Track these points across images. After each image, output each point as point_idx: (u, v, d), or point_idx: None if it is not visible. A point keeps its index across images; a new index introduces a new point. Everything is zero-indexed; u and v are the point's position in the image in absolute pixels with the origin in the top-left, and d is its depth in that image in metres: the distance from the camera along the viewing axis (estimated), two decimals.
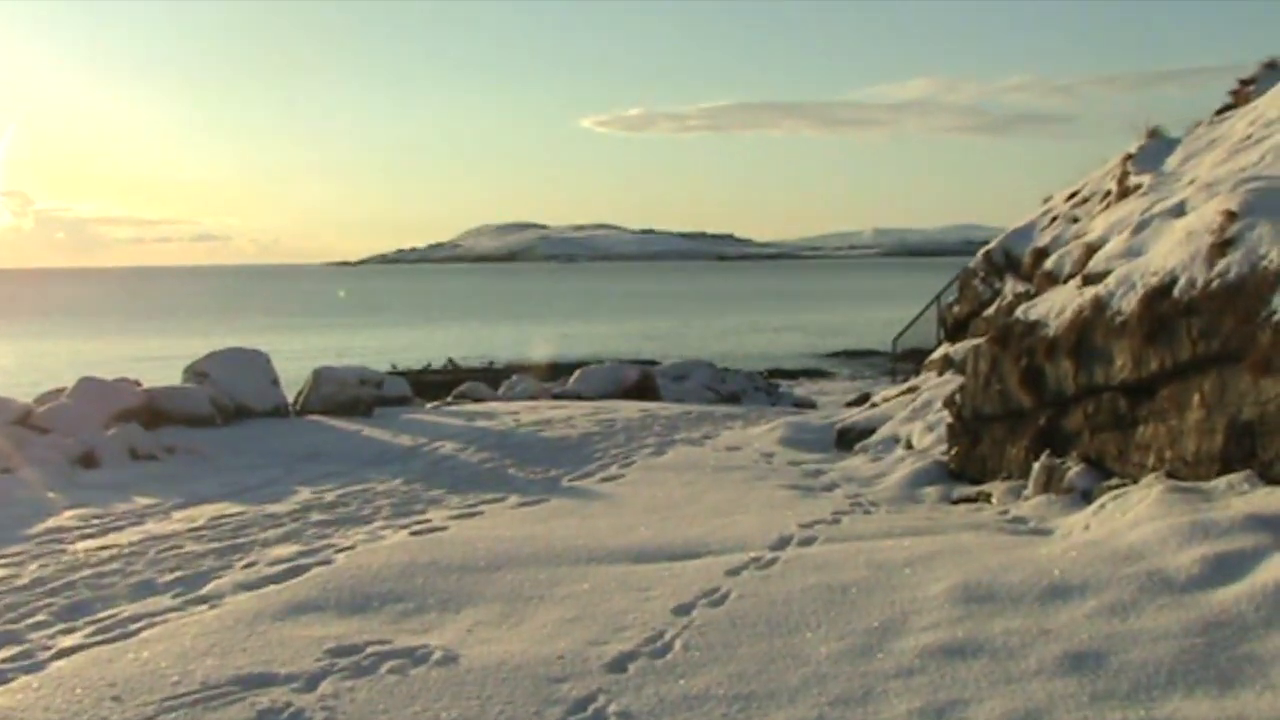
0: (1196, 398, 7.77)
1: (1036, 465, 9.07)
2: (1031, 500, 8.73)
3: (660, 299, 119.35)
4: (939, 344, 17.74)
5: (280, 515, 9.64)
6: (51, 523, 9.45)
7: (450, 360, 39.18)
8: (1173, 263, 8.20)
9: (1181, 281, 7.96)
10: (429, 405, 19.87)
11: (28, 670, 5.61)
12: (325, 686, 5.18)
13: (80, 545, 8.59)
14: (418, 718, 4.81)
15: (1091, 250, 10.20)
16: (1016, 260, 14.49)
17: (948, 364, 14.72)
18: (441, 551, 7.69)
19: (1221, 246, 7.82)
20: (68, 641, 6.09)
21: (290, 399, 17.47)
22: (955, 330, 16.63)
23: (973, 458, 10.44)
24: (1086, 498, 8.13)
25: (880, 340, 41.69)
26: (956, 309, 16.92)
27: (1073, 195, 14.95)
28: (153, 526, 9.31)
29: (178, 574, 7.56)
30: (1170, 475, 7.70)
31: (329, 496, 10.58)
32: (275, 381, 17.18)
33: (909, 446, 12.03)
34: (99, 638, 6.13)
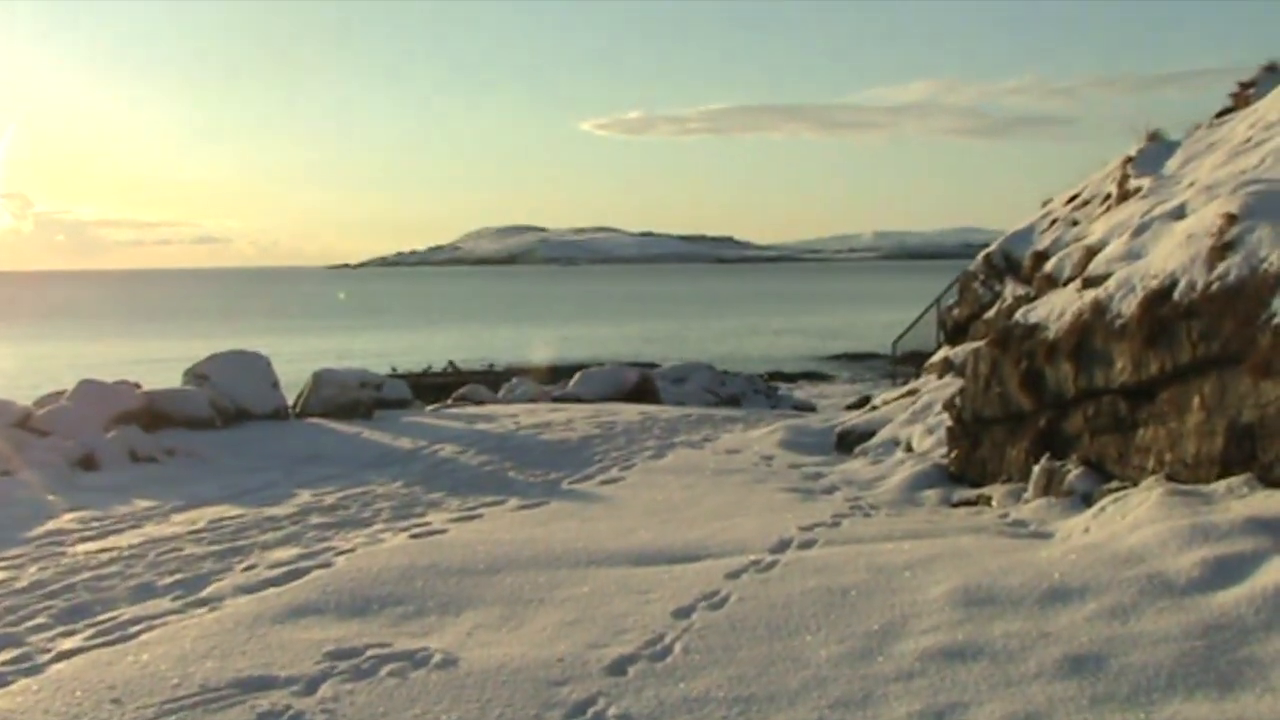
0: (1196, 400, 7.77)
1: (1036, 468, 9.07)
2: (1031, 503, 8.72)
3: (660, 301, 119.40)
4: (939, 347, 17.74)
5: (280, 518, 9.64)
6: (51, 525, 9.44)
7: (451, 363, 39.16)
8: (1173, 265, 8.20)
9: (1181, 284, 7.97)
10: (429, 408, 19.87)
11: (27, 673, 5.61)
12: (325, 689, 5.17)
13: (80, 548, 8.58)
14: None
15: (1091, 253, 10.20)
16: (1016, 263, 14.49)
17: (948, 367, 14.72)
18: (441, 554, 7.69)
19: (1221, 249, 7.82)
20: (67, 644, 6.09)
21: (290, 401, 17.47)
22: (955, 333, 16.63)
23: (973, 461, 10.44)
24: (1086, 500, 8.13)
25: (880, 343, 41.70)
26: (956, 312, 16.92)
27: (1073, 198, 14.95)
28: (152, 529, 9.31)
29: (177, 577, 7.56)
30: (1170, 478, 7.70)
31: (329, 499, 10.58)
32: (275, 384, 17.18)
33: (909, 449, 12.03)
34: (98, 640, 6.13)
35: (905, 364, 22.55)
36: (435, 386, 26.97)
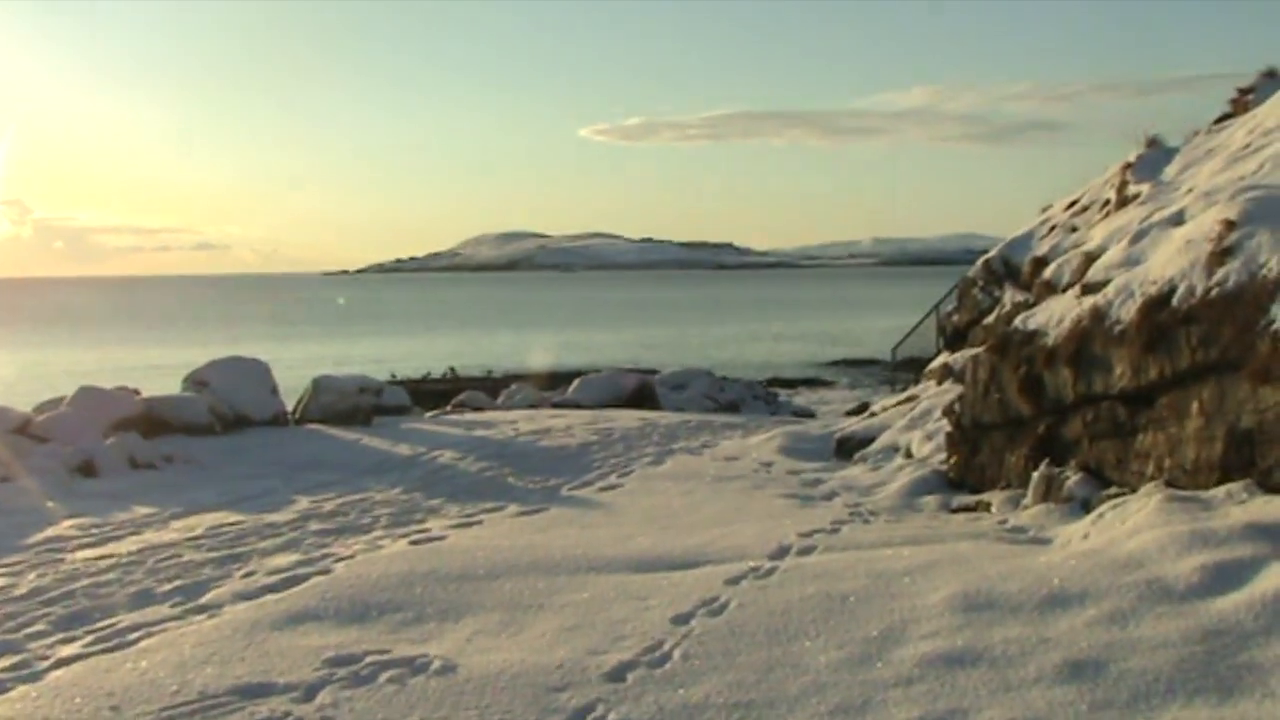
0: (1195, 406, 7.77)
1: (1035, 474, 9.07)
2: (1031, 509, 8.72)
3: (659, 308, 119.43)
4: (938, 353, 17.76)
5: (279, 524, 9.63)
6: (50, 532, 9.44)
7: (451, 369, 39.16)
8: (1171, 271, 8.21)
9: (1180, 290, 7.97)
10: (428, 414, 19.87)
11: (26, 680, 5.60)
12: (324, 696, 5.17)
13: (79, 554, 8.58)
14: None
15: (1090, 259, 10.21)
16: (1016, 269, 14.51)
17: (947, 373, 14.73)
18: (440, 561, 7.69)
19: (1220, 255, 7.83)
20: (66, 651, 6.08)
21: (289, 408, 17.48)
22: (954, 339, 16.65)
23: (972, 466, 10.44)
24: (1085, 506, 8.12)
25: (879, 349, 41.71)
26: (956, 318, 16.94)
27: (1072, 204, 14.97)
28: (151, 536, 9.30)
29: (176, 583, 7.55)
30: (1169, 484, 7.70)
31: (328, 506, 10.58)
32: (274, 390, 17.18)
33: (908, 455, 12.04)
34: (97, 647, 6.13)
35: (904, 370, 22.57)
36: (434, 393, 26.97)
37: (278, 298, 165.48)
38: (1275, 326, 7.09)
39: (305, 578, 7.51)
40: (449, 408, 21.81)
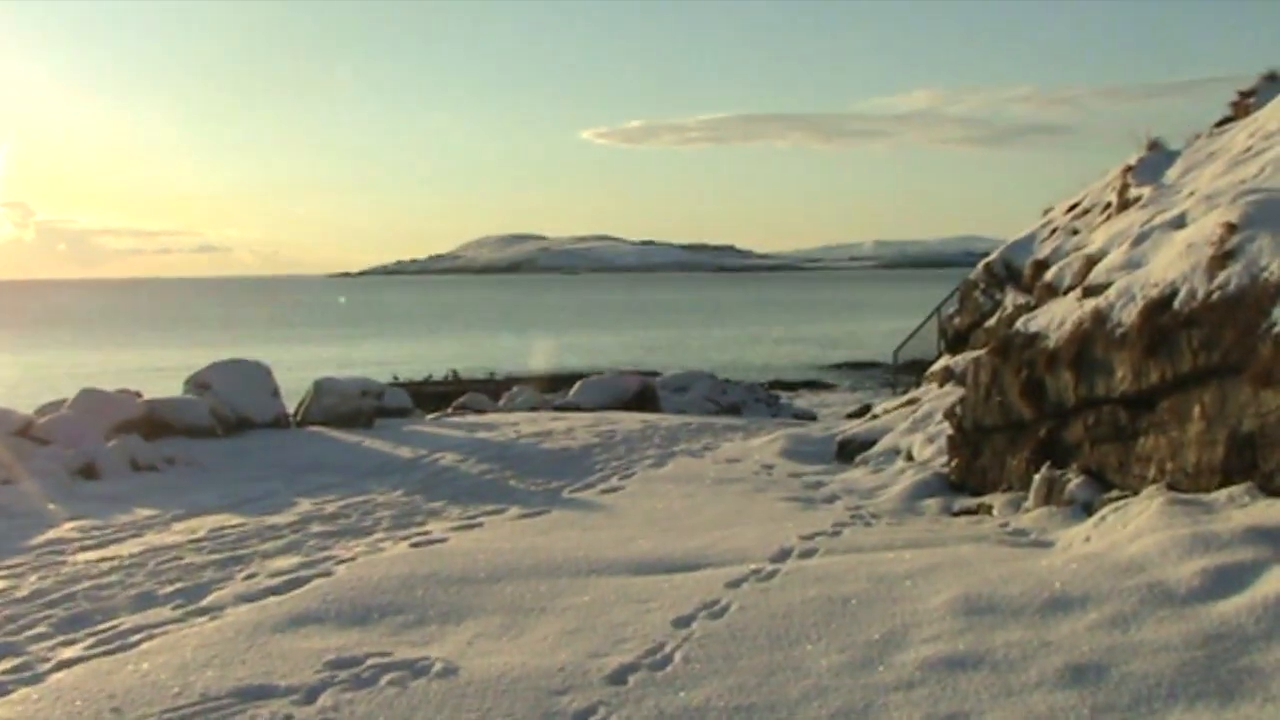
0: (1197, 410, 7.77)
1: (1037, 477, 9.07)
2: (1032, 512, 8.72)
3: (661, 310, 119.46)
4: (939, 356, 17.76)
5: (281, 527, 9.64)
6: (52, 534, 9.44)
7: (452, 371, 39.16)
8: (1173, 275, 8.21)
9: (1182, 293, 7.97)
10: (430, 416, 19.88)
11: (27, 682, 5.60)
12: (325, 699, 5.17)
13: (80, 557, 8.58)
14: None
15: (1092, 262, 10.21)
16: (1017, 272, 14.51)
17: (948, 376, 14.72)
18: (442, 563, 7.69)
19: (1222, 258, 7.83)
20: (68, 653, 6.08)
21: (291, 410, 17.48)
22: (956, 342, 16.65)
23: (973, 469, 10.44)
24: (1087, 510, 8.12)
25: (881, 352, 41.71)
26: (957, 321, 16.94)
27: (1073, 207, 14.97)
28: (153, 538, 9.30)
29: (178, 585, 7.55)
30: (1171, 487, 7.70)
31: (329, 508, 10.58)
32: (276, 393, 17.19)
33: (910, 458, 12.03)
34: (99, 650, 6.13)
35: (906, 373, 22.57)
36: (436, 395, 26.98)
37: (279, 300, 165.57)
38: (1276, 330, 7.09)
39: (307, 580, 7.51)
40: (450, 410, 21.82)
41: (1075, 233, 13.65)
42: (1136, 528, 6.80)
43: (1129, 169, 13.57)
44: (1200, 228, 8.47)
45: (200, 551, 8.66)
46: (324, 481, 12.22)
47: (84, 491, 11.68)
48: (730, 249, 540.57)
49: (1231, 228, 7.98)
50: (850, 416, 19.88)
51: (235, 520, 9.98)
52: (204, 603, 7.08)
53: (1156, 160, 13.53)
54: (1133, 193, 12.71)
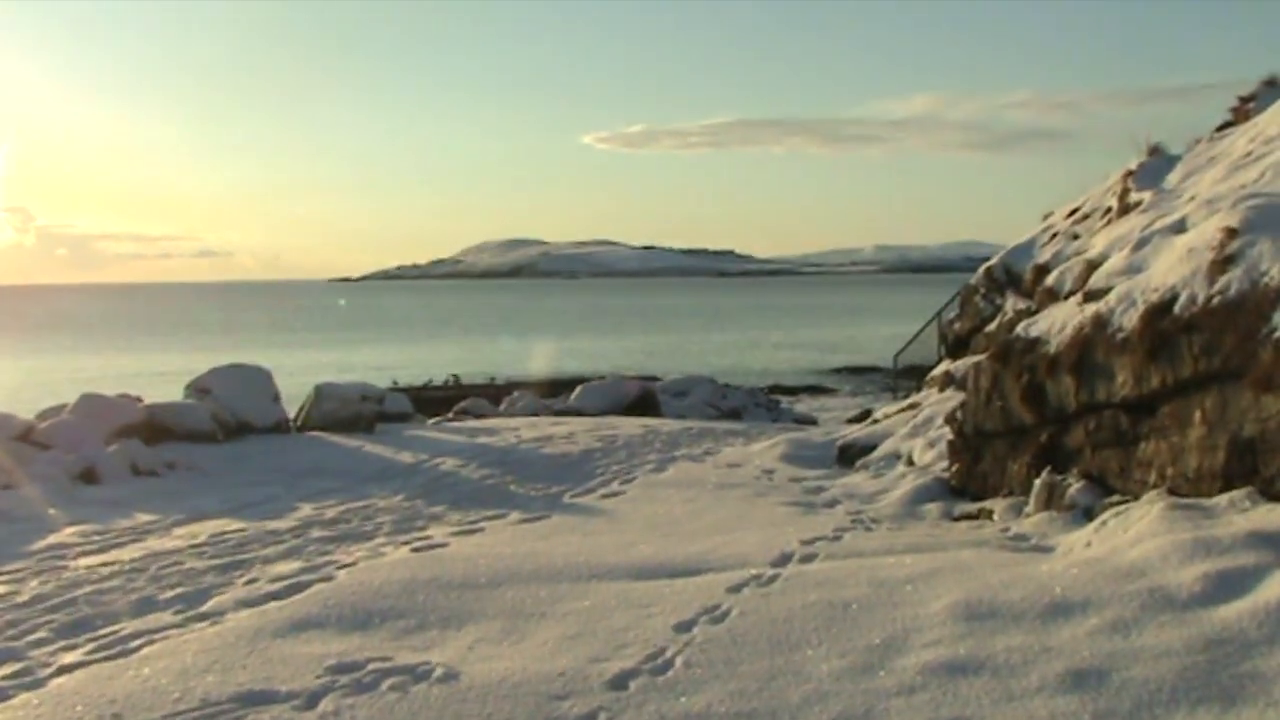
0: (1198, 414, 7.77)
1: (1038, 482, 9.06)
2: (1033, 517, 8.72)
3: (661, 315, 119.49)
4: (940, 360, 17.75)
5: (281, 532, 9.64)
6: (52, 539, 9.44)
7: (453, 376, 39.14)
8: (1173, 279, 8.21)
9: (1182, 298, 7.97)
10: (430, 421, 19.88)
11: (28, 687, 5.60)
12: (326, 704, 5.17)
13: (81, 562, 8.58)
14: None
15: (1092, 267, 10.21)
16: (1018, 277, 14.51)
17: (949, 380, 14.72)
18: (443, 568, 7.69)
19: (1222, 263, 7.83)
20: (68, 658, 6.08)
21: (292, 415, 17.49)
22: (956, 347, 16.64)
23: (974, 474, 10.44)
24: (1088, 515, 8.12)
25: (881, 356, 41.72)
26: (958, 325, 16.93)
27: (1073, 212, 14.98)
28: (154, 543, 9.30)
29: (179, 590, 7.55)
30: (1172, 492, 7.70)
31: (330, 513, 10.58)
32: (276, 398, 17.19)
33: (910, 463, 12.03)
34: (100, 655, 6.13)
35: (906, 378, 22.57)
36: (437, 400, 26.98)
37: (279, 305, 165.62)
38: (1277, 335, 7.09)
39: (307, 585, 7.51)
40: (451, 415, 21.81)
41: (1076, 237, 13.66)
42: (1137, 533, 6.80)
43: (1129, 174, 13.58)
44: (1201, 233, 8.47)
45: (201, 556, 8.66)
46: (325, 486, 12.22)
47: (84, 496, 11.68)
48: (731, 253, 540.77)
49: (1232, 233, 7.99)
50: (851, 421, 19.86)
51: (236, 525, 9.98)
52: (205, 608, 7.08)
53: (1157, 165, 13.54)
54: (1133, 197, 12.71)
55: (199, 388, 16.53)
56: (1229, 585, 5.61)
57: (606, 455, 14.35)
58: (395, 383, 33.50)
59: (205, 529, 9.81)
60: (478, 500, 11.25)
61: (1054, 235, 14.70)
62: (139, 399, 15.89)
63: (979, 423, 10.40)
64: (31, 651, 6.24)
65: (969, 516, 9.56)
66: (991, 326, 14.40)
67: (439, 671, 5.53)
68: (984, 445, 10.38)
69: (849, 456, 13.28)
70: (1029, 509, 8.98)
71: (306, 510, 10.75)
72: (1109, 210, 13.40)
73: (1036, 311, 10.86)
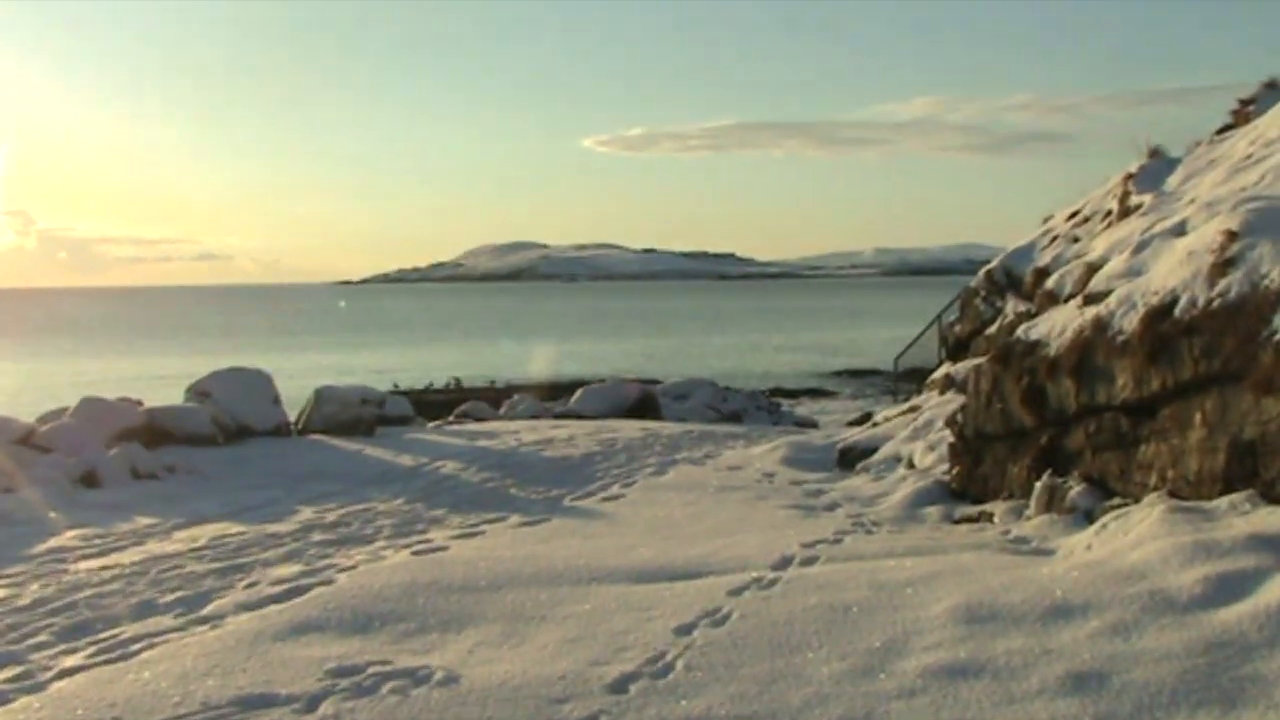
0: (1198, 417, 7.77)
1: (1038, 485, 9.06)
2: (1033, 520, 8.71)
3: (662, 318, 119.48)
4: (940, 363, 17.75)
5: (282, 535, 9.64)
6: (53, 542, 9.45)
7: (453, 379, 39.13)
8: (1174, 282, 8.21)
9: (1182, 301, 7.97)
10: (431, 424, 19.88)
11: (29, 691, 5.61)
12: (326, 707, 5.17)
13: (81, 565, 8.59)
14: None
15: (1092, 270, 10.21)
16: (1018, 279, 14.51)
17: (949, 383, 14.72)
18: (443, 571, 7.69)
19: (1222, 266, 7.83)
20: (69, 662, 6.09)
21: (292, 418, 17.49)
22: (956, 349, 16.63)
23: (974, 477, 10.43)
24: (1088, 517, 8.12)
25: (882, 359, 41.72)
26: (958, 328, 16.93)
27: (1074, 214, 14.97)
28: (154, 546, 9.31)
29: (179, 594, 7.56)
30: (1172, 495, 7.69)
31: (330, 516, 10.58)
32: (277, 401, 17.21)
33: (911, 466, 12.02)
34: (100, 658, 6.13)
35: (907, 380, 22.56)
36: (437, 403, 26.97)
37: (279, 308, 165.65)
38: (1277, 337, 7.09)
39: (308, 588, 7.51)
40: (451, 418, 21.81)
41: (1076, 240, 13.65)
42: (1138, 535, 6.80)
43: (1129, 176, 13.58)
44: (1201, 235, 8.48)
45: (201, 560, 8.66)
46: (325, 490, 12.22)
47: (85, 500, 11.69)
48: (731, 256, 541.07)
49: (1232, 235, 7.99)
50: (851, 424, 19.84)
51: (236, 528, 9.98)
52: (205, 611, 7.09)
53: (1157, 168, 13.54)
54: (1133, 200, 12.71)
55: (199, 391, 16.54)
56: (1229, 588, 5.61)
57: (607, 458, 14.35)
58: (395, 386, 33.50)
59: (205, 532, 9.82)
60: (478, 503, 11.25)
61: (1054, 238, 14.70)
62: (139, 402, 15.91)
63: (979, 425, 10.40)
64: (32, 655, 6.25)
65: (969, 519, 9.55)
66: (992, 329, 14.39)
67: (439, 675, 5.53)
68: (984, 448, 10.38)
69: (850, 459, 13.27)
70: (1029, 512, 8.98)
71: (307, 514, 10.76)
72: (1109, 213, 13.40)
73: (1037, 314, 10.87)
